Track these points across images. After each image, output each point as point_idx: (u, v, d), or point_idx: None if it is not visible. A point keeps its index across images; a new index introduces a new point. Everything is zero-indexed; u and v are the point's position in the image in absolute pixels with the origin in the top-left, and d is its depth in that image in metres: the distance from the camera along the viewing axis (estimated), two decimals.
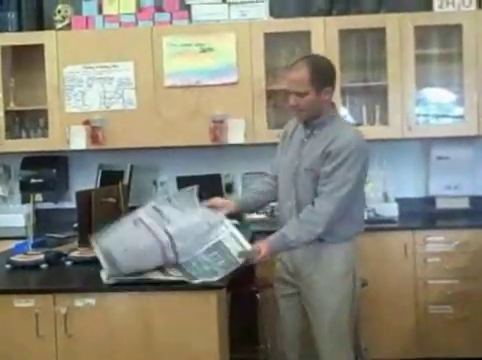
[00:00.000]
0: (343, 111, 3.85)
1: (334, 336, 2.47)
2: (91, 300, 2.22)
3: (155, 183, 2.98)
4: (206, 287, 2.20)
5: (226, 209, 2.51)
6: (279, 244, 2.35)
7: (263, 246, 2.32)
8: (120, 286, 2.23)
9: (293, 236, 2.32)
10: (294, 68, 2.38)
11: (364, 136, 2.46)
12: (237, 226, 2.46)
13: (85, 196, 2.90)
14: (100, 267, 2.37)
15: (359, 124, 3.87)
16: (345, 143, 2.33)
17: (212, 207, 2.50)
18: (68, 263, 2.62)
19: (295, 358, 2.61)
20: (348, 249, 2.47)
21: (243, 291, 2.89)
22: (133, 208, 3.48)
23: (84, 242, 2.79)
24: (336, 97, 3.64)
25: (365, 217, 3.75)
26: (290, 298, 2.56)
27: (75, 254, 2.67)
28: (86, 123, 3.75)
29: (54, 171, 3.98)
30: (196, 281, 2.19)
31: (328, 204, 2.31)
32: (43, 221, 3.98)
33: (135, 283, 2.20)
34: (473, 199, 3.91)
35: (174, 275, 2.24)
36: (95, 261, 2.56)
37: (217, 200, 2.56)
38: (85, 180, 3.91)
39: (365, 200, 2.55)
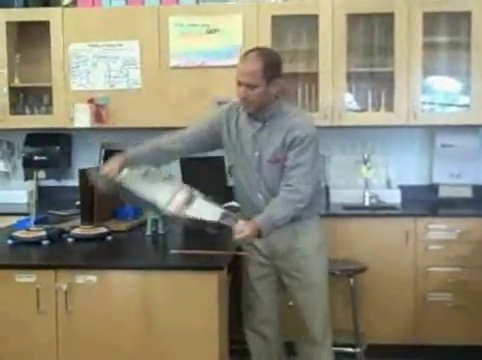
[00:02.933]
0: (348, 97, 3.84)
1: (322, 311, 2.61)
2: (92, 277, 2.22)
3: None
4: (207, 268, 2.22)
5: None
6: (267, 224, 2.40)
7: (248, 225, 2.35)
8: (121, 263, 2.23)
9: (280, 215, 2.40)
10: (247, 60, 2.40)
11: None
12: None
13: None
14: (101, 244, 2.39)
15: (364, 110, 3.86)
16: (306, 130, 2.44)
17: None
18: (70, 240, 2.62)
19: (272, 334, 2.68)
20: (319, 222, 2.64)
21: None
22: None
23: (86, 219, 2.82)
24: (342, 82, 3.67)
25: (367, 203, 3.82)
26: (266, 278, 2.63)
27: (77, 231, 2.68)
28: (90, 101, 3.73)
29: (58, 148, 3.97)
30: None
31: (306, 186, 2.42)
32: (46, 198, 3.99)
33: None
34: (476, 188, 3.89)
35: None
36: (97, 238, 2.59)
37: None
38: (88, 158, 3.90)
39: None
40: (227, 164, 3.56)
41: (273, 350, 2.72)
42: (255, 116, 2.51)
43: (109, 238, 2.61)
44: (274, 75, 2.42)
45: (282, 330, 2.73)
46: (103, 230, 2.68)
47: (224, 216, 2.34)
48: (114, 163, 2.48)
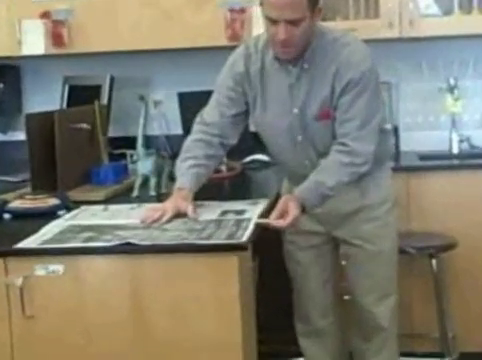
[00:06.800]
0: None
1: (393, 290, 2.76)
2: (58, 266, 2.19)
3: (144, 100, 2.96)
4: (222, 248, 2.18)
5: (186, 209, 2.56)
6: (312, 196, 2.51)
7: (292, 204, 2.44)
8: (100, 247, 2.22)
9: (332, 181, 2.51)
10: None
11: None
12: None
13: (43, 121, 2.89)
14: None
15: (448, 13, 3.80)
16: (361, 66, 2.52)
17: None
18: (7, 216, 2.64)
19: (327, 327, 2.86)
20: (390, 173, 2.82)
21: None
22: (115, 139, 3.53)
23: (41, 186, 2.82)
24: None
25: (455, 150, 3.81)
26: (317, 248, 2.80)
27: (16, 204, 2.67)
28: (45, 16, 3.74)
29: (0, 87, 3.97)
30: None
31: (366, 143, 2.54)
32: None
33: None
34: None
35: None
36: (42, 214, 2.60)
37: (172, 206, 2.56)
38: (45, 99, 3.93)
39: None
40: None
41: (330, 349, 2.89)
42: (289, 60, 2.58)
43: (61, 212, 2.63)
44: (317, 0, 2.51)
45: (340, 324, 2.89)
46: (55, 202, 2.68)
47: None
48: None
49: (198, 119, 2.74)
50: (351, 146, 2.52)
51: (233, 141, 2.73)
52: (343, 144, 2.52)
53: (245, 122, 2.77)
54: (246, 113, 2.72)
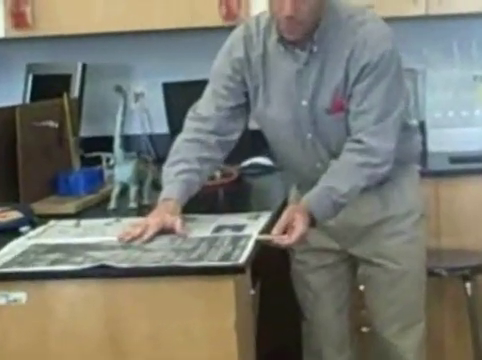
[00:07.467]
0: None
1: (419, 319, 2.77)
2: (20, 294, 2.20)
3: (123, 93, 2.94)
4: (215, 270, 2.18)
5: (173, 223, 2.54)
6: (325, 206, 2.49)
7: (299, 216, 2.42)
8: (70, 271, 2.19)
9: (346, 186, 2.49)
10: None
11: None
12: None
13: (2, 117, 2.91)
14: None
15: None
16: (380, 46, 2.51)
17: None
18: None
19: None
20: (418, 180, 2.83)
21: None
22: (88, 140, 3.49)
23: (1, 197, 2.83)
24: None
25: None
26: (332, 269, 2.80)
27: None
28: None
29: None
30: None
31: (385, 140, 2.53)
32: None
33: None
34: None
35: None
36: (1, 230, 2.61)
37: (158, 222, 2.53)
38: (5, 92, 3.98)
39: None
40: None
41: None
42: (295, 42, 2.57)
43: (24, 229, 2.62)
44: None
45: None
46: (16, 216, 2.68)
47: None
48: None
49: (191, 114, 2.72)
50: (367, 143, 2.51)
51: (232, 139, 2.72)
52: (357, 141, 2.52)
53: (246, 117, 2.75)
54: (246, 106, 2.71)
